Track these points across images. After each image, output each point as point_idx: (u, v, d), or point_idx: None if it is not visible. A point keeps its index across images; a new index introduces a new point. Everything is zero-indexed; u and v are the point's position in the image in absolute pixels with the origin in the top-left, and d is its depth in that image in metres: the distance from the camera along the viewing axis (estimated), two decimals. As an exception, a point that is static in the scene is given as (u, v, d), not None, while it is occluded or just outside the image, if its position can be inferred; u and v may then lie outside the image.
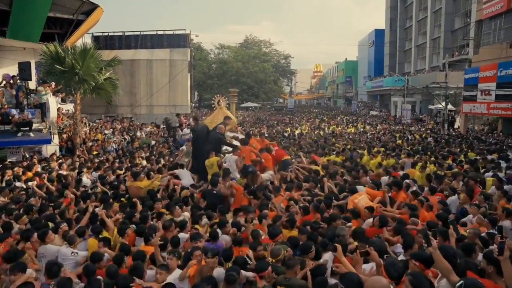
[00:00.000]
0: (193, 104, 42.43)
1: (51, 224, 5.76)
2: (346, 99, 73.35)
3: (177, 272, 4.30)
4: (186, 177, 8.78)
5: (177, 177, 8.83)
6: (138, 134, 17.77)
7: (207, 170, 8.67)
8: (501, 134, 20.51)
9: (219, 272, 4.35)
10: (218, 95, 12.01)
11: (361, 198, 6.66)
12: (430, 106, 35.46)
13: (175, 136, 18.92)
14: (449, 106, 26.55)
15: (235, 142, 9.83)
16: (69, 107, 17.09)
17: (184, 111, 23.17)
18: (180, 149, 10.88)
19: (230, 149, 9.37)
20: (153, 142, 16.28)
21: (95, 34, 22.45)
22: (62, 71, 13.84)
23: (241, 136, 9.72)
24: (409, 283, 3.09)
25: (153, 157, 12.10)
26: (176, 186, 8.23)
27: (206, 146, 9.07)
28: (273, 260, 4.47)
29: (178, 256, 4.50)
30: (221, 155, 9.19)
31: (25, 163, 10.99)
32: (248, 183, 8.09)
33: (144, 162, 11.58)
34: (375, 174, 9.60)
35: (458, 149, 14.38)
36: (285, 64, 68.54)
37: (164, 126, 20.89)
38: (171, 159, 11.56)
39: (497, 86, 19.89)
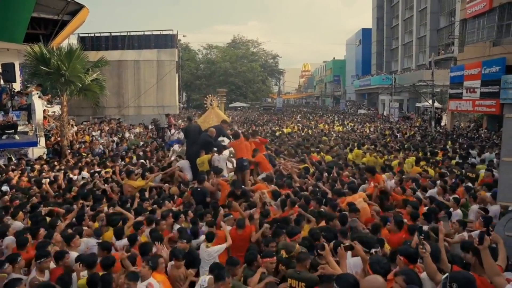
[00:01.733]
0: (182, 105, 42.30)
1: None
2: (334, 98, 73.84)
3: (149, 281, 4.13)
4: (187, 169, 9.10)
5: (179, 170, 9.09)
6: (127, 135, 17.65)
7: (198, 169, 8.87)
8: (486, 130, 20.97)
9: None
10: (210, 95, 12.16)
11: (358, 202, 6.62)
12: (417, 104, 35.98)
13: (163, 136, 18.90)
14: (436, 104, 27.01)
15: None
16: (55, 109, 16.89)
17: (173, 112, 23.11)
18: (172, 149, 10.97)
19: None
20: (141, 143, 16.18)
21: (81, 35, 22.20)
22: (48, 73, 13.63)
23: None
24: (402, 282, 3.18)
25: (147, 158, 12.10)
26: (166, 185, 8.50)
27: (195, 146, 9.32)
28: (287, 255, 4.52)
29: (152, 265, 4.31)
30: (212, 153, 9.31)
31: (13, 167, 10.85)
32: (238, 179, 8.30)
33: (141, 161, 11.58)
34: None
35: (441, 146, 14.81)
36: (273, 63, 68.83)
37: (153, 126, 20.85)
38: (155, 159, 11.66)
39: (481, 83, 20.34)
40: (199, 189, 7.60)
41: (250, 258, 4.48)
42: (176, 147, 11.02)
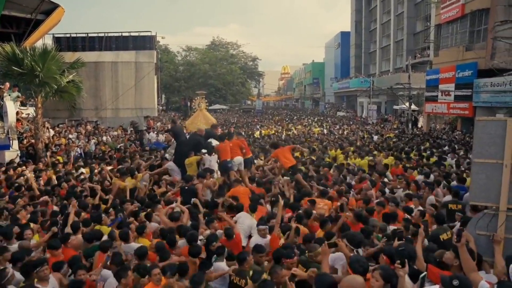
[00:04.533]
0: (160, 107, 41.78)
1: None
2: (314, 100, 74.43)
3: None
4: (176, 171, 9.31)
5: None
6: (104, 138, 17.37)
7: (186, 169, 9.08)
8: (460, 132, 21.69)
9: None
10: (198, 97, 12.37)
11: (321, 207, 6.79)
12: (395, 107, 36.75)
13: (142, 139, 18.70)
14: (413, 106, 27.68)
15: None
16: (29, 111, 16.47)
17: (151, 114, 22.91)
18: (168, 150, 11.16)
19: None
20: (118, 146, 15.99)
21: (56, 35, 21.66)
22: (20, 73, 13.30)
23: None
24: (379, 276, 3.28)
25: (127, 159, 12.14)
26: (155, 187, 8.72)
27: (185, 147, 9.49)
28: (310, 254, 4.59)
29: None
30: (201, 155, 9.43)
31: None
32: (226, 181, 8.61)
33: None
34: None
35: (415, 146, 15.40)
36: (253, 66, 68.58)
37: (132, 129, 20.56)
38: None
39: (455, 87, 21.04)
40: (186, 187, 7.70)
41: (277, 256, 4.54)
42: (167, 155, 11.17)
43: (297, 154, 13.38)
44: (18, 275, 4.35)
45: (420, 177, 9.48)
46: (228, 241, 5.45)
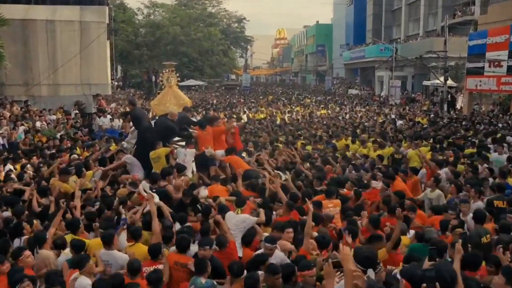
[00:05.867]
0: (116, 83, 41.75)
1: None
2: (318, 75, 74.98)
3: None
4: (137, 166, 9.51)
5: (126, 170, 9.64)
6: (38, 124, 16.88)
7: (152, 164, 9.29)
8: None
9: None
10: (167, 70, 12.51)
11: (332, 210, 7.39)
12: (425, 82, 37.00)
13: (90, 125, 18.38)
14: (449, 82, 27.64)
15: None
16: None
17: (103, 92, 22.77)
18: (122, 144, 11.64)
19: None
20: (58, 135, 15.53)
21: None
22: None
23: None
24: None
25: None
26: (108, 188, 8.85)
27: (150, 135, 9.63)
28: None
29: None
30: (172, 146, 9.69)
31: None
32: (202, 178, 9.08)
33: None
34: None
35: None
36: (238, 29, 69.42)
37: (77, 112, 20.23)
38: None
39: (509, 55, 20.82)
40: (153, 190, 7.83)
41: (287, 272, 4.70)
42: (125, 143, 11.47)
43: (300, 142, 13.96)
44: None
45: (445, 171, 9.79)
46: (220, 252, 5.72)
